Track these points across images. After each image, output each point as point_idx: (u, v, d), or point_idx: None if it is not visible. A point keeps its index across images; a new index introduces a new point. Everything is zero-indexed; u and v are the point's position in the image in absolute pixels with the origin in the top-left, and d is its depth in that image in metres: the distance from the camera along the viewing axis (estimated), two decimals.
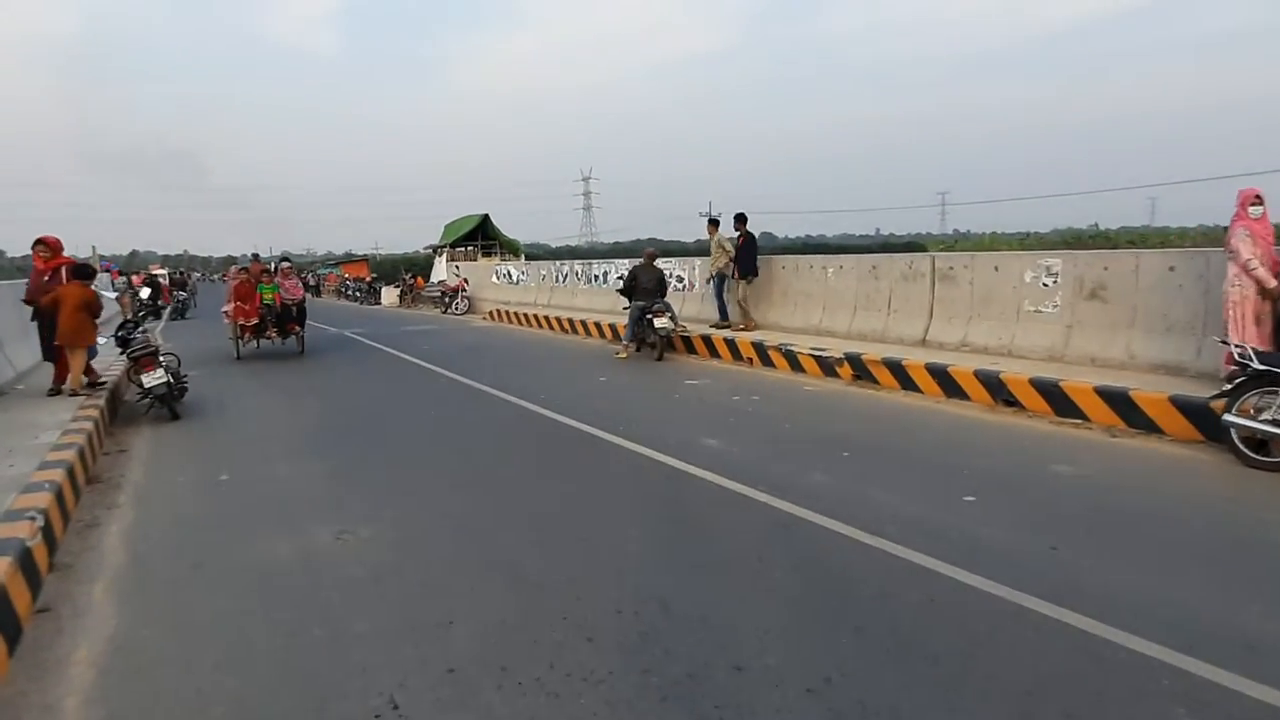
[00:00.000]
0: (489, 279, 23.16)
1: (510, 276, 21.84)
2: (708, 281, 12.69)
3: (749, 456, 6.02)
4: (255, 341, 13.32)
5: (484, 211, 28.54)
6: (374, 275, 38.55)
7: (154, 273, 50.65)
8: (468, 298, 23.13)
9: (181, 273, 47.38)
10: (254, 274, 13.59)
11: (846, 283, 10.85)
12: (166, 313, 27.94)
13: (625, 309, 12.83)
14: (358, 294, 37.48)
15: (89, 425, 6.62)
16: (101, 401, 7.76)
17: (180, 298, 28.77)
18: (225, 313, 13.34)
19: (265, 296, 13.06)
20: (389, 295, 32.95)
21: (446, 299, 23.70)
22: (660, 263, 15.27)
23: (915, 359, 8.58)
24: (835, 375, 9.40)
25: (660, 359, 11.54)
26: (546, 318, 16.95)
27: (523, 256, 28.68)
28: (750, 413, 7.71)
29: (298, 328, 13.43)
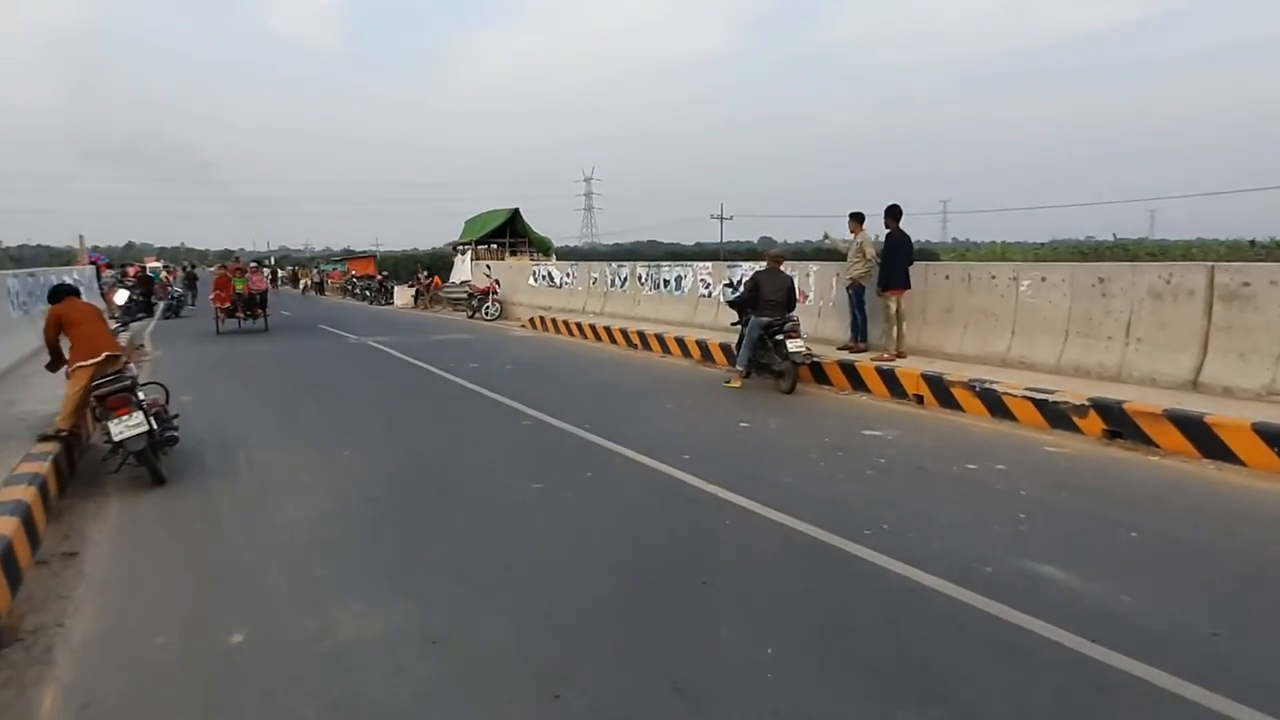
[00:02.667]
0: (524, 281, 20.52)
1: (552, 279, 19.21)
2: (848, 289, 10.10)
3: (1166, 617, 3.41)
4: (235, 321, 17.49)
5: (513, 206, 25.88)
6: (385, 273, 35.82)
7: (148, 266, 47.94)
8: (499, 301, 20.52)
9: (191, 265, 44.71)
10: (230, 270, 18.35)
11: (1053, 300, 8.26)
12: (160, 310, 25.28)
13: (734, 324, 10.24)
14: (367, 293, 34.82)
15: (11, 525, 3.98)
16: (46, 466, 5.12)
17: (175, 294, 26.06)
18: (210, 300, 17.62)
19: (237, 287, 17.34)
20: (402, 295, 30.33)
21: (475, 302, 21.07)
22: (754, 266, 12.69)
23: (1223, 415, 5.99)
24: (1072, 428, 6.82)
25: (790, 391, 8.95)
26: (606, 329, 14.32)
27: (554, 256, 26.05)
28: (1029, 499, 5.09)
29: (260, 310, 17.66)
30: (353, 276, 40.56)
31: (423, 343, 14.88)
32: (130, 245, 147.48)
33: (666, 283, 14.75)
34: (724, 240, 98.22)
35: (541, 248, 26.61)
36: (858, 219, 10.11)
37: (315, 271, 48.00)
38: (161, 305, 25.87)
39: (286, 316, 24.68)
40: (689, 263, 14.38)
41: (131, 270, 28.20)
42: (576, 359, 12.49)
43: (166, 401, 6.52)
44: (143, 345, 14.46)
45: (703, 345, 11.81)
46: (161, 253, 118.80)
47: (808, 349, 9.13)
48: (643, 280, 15.50)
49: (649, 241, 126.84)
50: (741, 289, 10.25)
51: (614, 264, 16.77)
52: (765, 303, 9.29)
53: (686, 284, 14.19)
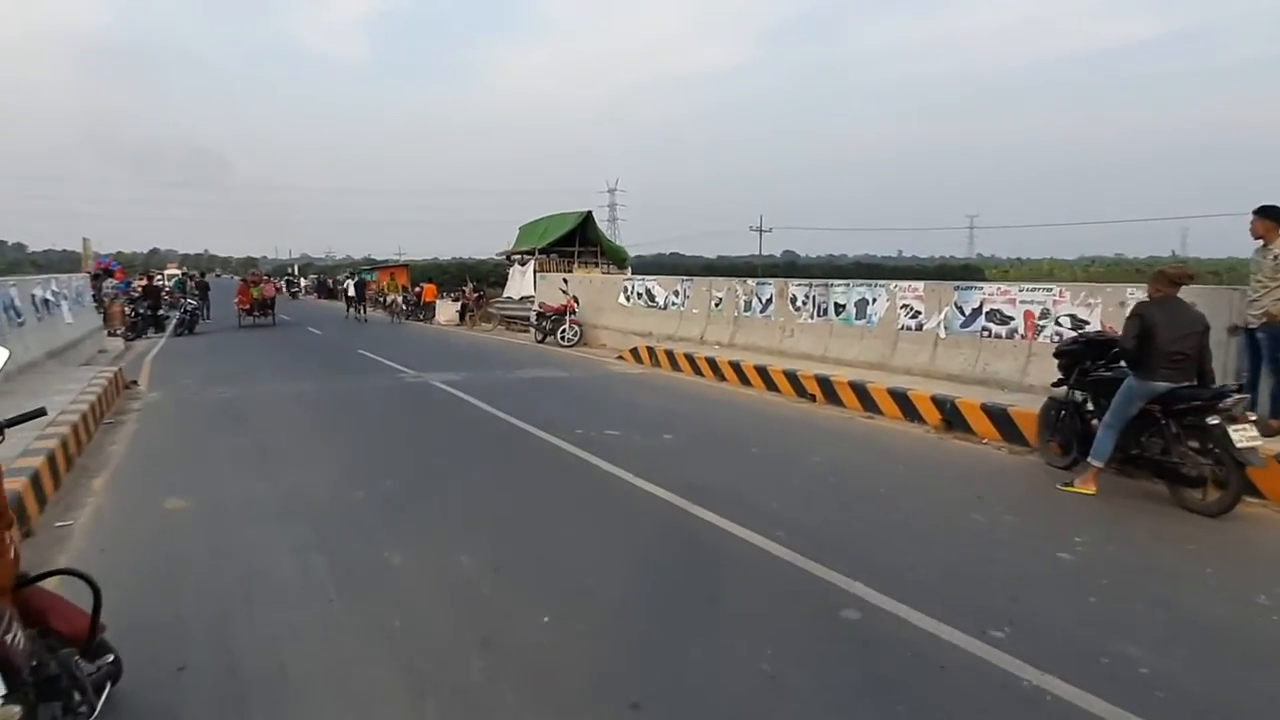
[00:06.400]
0: (612, 299, 16.74)
1: (652, 297, 15.38)
2: (1253, 330, 6.23)
3: None
4: (250, 318, 23.05)
5: (585, 210, 22.08)
6: (420, 285, 32.14)
7: (167, 272, 44.58)
8: (578, 324, 16.76)
9: (203, 273, 40.99)
10: (249, 279, 24.90)
11: None
12: (172, 324, 21.81)
13: (1059, 384, 6.41)
14: (402, 307, 31.26)
15: None
16: None
17: (188, 306, 22.53)
18: (234, 303, 23.59)
19: (254, 293, 23.39)
20: (445, 310, 26.74)
21: (547, 324, 17.32)
22: (1005, 290, 8.86)
23: None
24: None
25: (1224, 512, 5.08)
26: (759, 371, 10.50)
27: (629, 269, 22.28)
28: None
29: (270, 311, 23.85)
30: (383, 288, 37.07)
31: (506, 383, 11.11)
32: (155, 252, 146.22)
33: (840, 307, 10.86)
34: (761, 252, 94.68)
35: (616, 259, 22.78)
36: (1273, 217, 6.21)
37: (352, 280, 43.75)
38: (174, 319, 22.41)
39: (316, 335, 21.13)
40: (880, 282, 10.50)
41: (138, 282, 24.77)
42: (748, 419, 8.64)
43: (97, 609, 2.72)
44: (135, 383, 10.80)
45: (945, 405, 7.93)
46: (185, 259, 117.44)
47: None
48: (798, 303, 11.63)
49: (671, 254, 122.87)
50: (1093, 330, 6.41)
51: (750, 281, 12.93)
52: (1163, 356, 5.41)
53: (876, 310, 10.31)
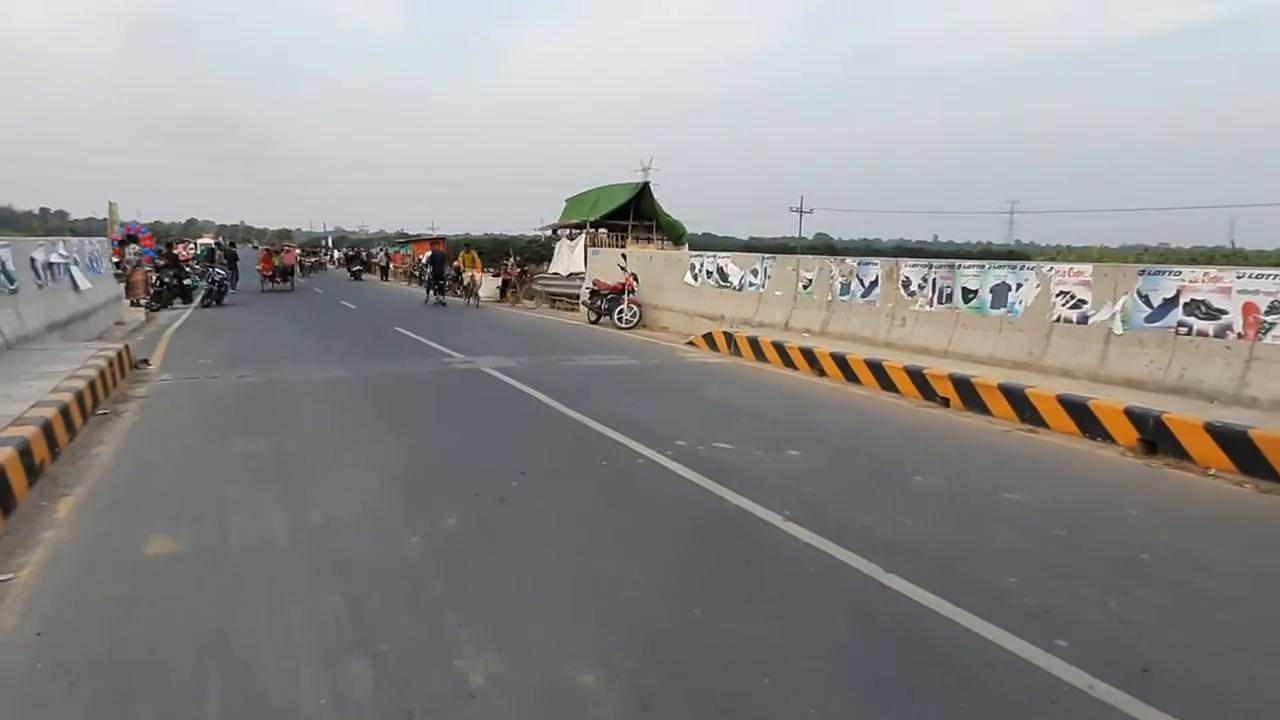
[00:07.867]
0: (676, 277, 15.04)
1: (724, 277, 13.65)
2: None
3: None
4: (272, 284, 25.59)
5: (641, 180, 20.37)
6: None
7: (199, 241, 43.51)
8: (637, 304, 15.13)
9: (231, 243, 39.59)
10: (273, 249, 29.38)
11: None
12: (199, 296, 20.52)
13: None
14: (440, 282, 29.84)
15: None
16: None
17: (218, 276, 21.19)
18: (257, 269, 26.12)
19: (275, 261, 26.34)
20: (485, 286, 25.22)
21: (602, 304, 15.70)
22: (1215, 276, 7.03)
23: None
24: None
25: None
26: (872, 365, 8.80)
27: (686, 245, 20.57)
28: None
29: (290, 278, 27.06)
30: (421, 261, 35.70)
31: (570, 372, 9.54)
32: (192, 222, 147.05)
33: (969, 293, 9.08)
34: (800, 234, 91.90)
35: (673, 234, 21.05)
36: None
37: (382, 254, 42.42)
38: (201, 290, 21.12)
39: (350, 310, 19.78)
40: (1027, 263, 8.68)
41: (176, 248, 23.69)
42: (881, 428, 6.96)
43: None
44: (145, 362, 9.41)
45: (1146, 421, 6.17)
46: (221, 230, 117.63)
47: None
48: (912, 287, 9.86)
49: (704, 234, 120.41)
50: None
51: (850, 260, 11.14)
52: None
53: (1021, 298, 8.51)
